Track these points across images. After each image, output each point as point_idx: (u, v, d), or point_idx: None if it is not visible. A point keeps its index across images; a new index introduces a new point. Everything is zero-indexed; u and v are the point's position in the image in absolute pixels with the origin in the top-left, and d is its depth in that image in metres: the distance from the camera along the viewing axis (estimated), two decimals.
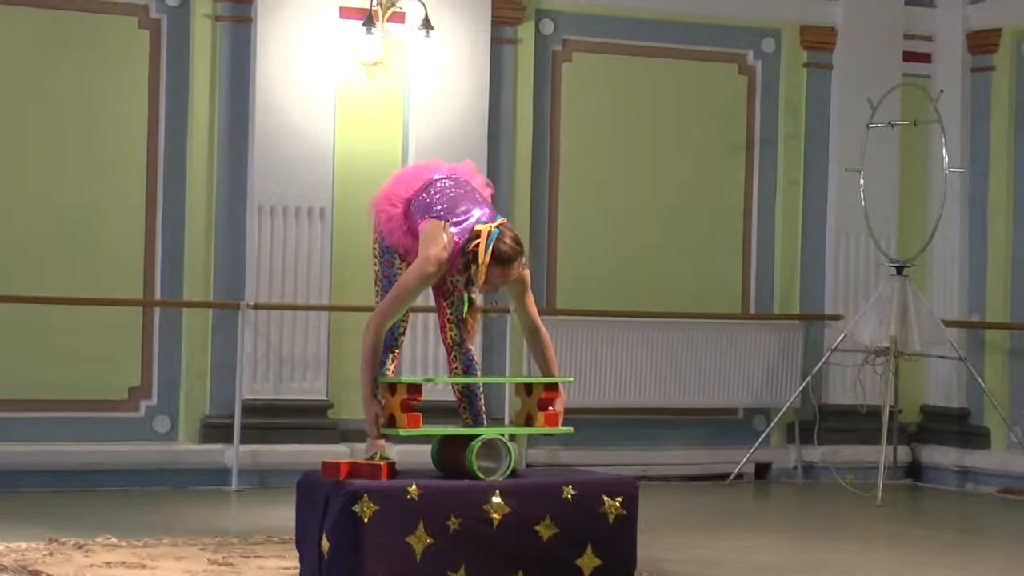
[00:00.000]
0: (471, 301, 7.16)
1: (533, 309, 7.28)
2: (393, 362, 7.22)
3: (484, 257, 6.96)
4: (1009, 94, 12.38)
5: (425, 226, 7.11)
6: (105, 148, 10.89)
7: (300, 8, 11.04)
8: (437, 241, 7.05)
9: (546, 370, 7.28)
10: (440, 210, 7.11)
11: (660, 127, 12.24)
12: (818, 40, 12.51)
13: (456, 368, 7.30)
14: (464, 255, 7.01)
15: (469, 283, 7.06)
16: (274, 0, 11.00)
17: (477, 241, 6.99)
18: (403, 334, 7.25)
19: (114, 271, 10.88)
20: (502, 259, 6.98)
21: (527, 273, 7.23)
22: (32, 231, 10.72)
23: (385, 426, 7.00)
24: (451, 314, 7.29)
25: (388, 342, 7.15)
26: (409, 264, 7.14)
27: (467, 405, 7.31)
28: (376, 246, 7.35)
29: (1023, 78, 12.33)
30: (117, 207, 10.91)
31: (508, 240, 7.00)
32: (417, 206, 7.16)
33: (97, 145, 10.87)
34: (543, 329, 7.30)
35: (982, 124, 12.50)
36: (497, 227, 7.02)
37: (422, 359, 11.34)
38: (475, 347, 7.38)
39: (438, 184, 7.21)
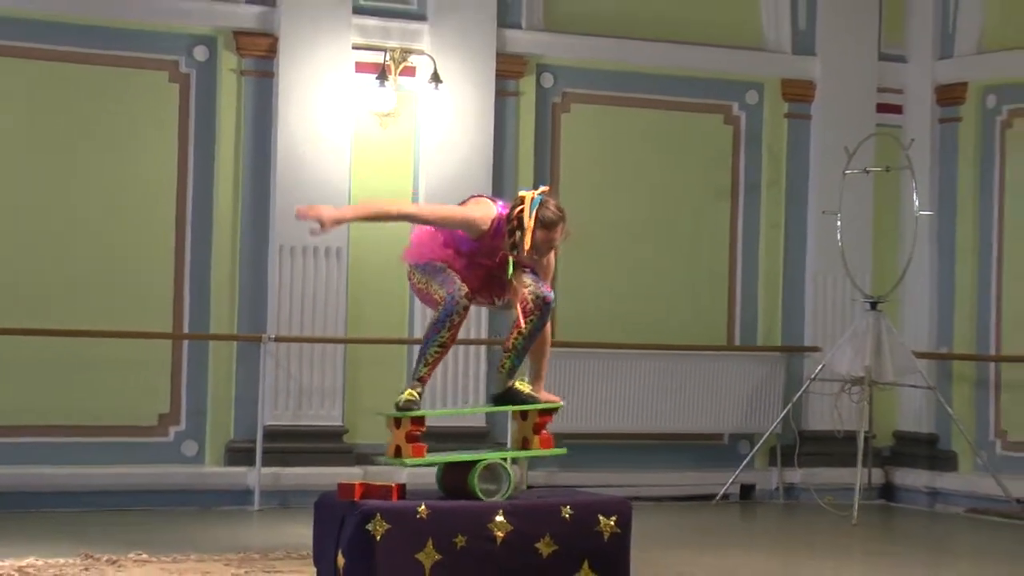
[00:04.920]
0: (516, 266, 7.03)
1: (548, 280, 7.18)
2: (451, 332, 6.98)
3: (529, 221, 6.89)
4: (975, 143, 12.39)
5: (472, 199, 7.07)
6: (138, 193, 10.90)
7: (319, 63, 11.08)
8: (485, 208, 6.99)
9: (536, 368, 7.23)
10: (482, 195, 7.13)
11: (652, 173, 12.25)
12: (798, 93, 12.53)
13: (524, 328, 7.03)
14: (509, 221, 6.94)
15: (514, 248, 6.95)
16: (295, 56, 11.04)
17: (521, 207, 6.95)
18: (466, 308, 6.97)
19: (146, 307, 10.89)
20: (546, 223, 6.90)
21: (553, 263, 7.16)
22: (71, 271, 10.73)
23: (393, 456, 6.99)
24: (525, 280, 7.09)
25: (450, 308, 6.93)
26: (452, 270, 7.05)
27: (513, 355, 7.15)
28: (416, 275, 7.13)
29: (987, 128, 12.35)
30: (149, 247, 10.92)
31: (552, 206, 6.93)
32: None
33: (130, 190, 10.89)
34: (548, 328, 7.25)
35: (950, 171, 12.50)
36: (540, 194, 6.97)
37: (452, 389, 11.36)
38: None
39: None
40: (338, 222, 7.01)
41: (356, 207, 7.18)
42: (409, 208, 7.20)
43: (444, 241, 7.11)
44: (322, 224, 6.90)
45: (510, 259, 7.01)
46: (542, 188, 7.04)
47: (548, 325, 7.25)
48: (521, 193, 7.00)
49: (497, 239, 7.00)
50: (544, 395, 7.27)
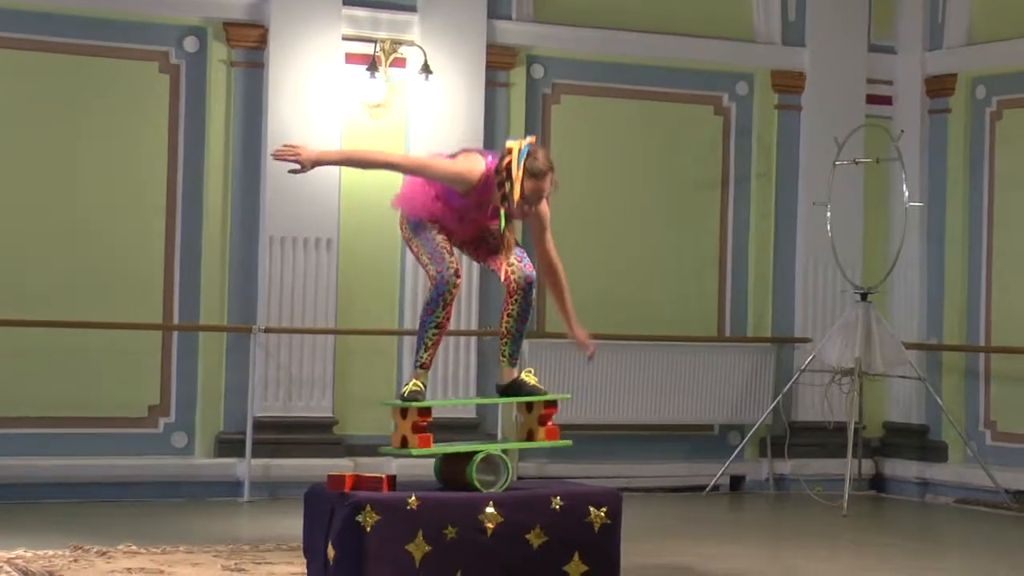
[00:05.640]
0: (508, 218, 6.97)
1: (552, 247, 7.19)
2: (446, 310, 6.96)
3: (517, 172, 6.86)
4: (964, 134, 12.41)
5: (463, 153, 7.04)
6: (128, 184, 10.89)
7: (308, 54, 11.05)
8: (474, 162, 6.95)
9: (563, 312, 7.24)
10: (472, 148, 7.11)
11: (643, 164, 12.25)
12: (788, 84, 12.53)
13: (512, 309, 7.08)
14: (498, 173, 6.90)
15: (504, 200, 6.92)
16: (284, 46, 11.00)
17: (509, 158, 6.90)
18: (457, 286, 6.96)
19: (135, 298, 10.87)
20: (535, 173, 6.88)
21: (547, 210, 7.11)
22: (61, 262, 10.72)
23: (399, 447, 6.96)
24: (510, 259, 7.05)
25: (441, 289, 6.92)
26: (442, 227, 6.98)
27: (511, 341, 7.14)
28: (408, 232, 7.07)
29: (977, 119, 12.38)
30: (139, 238, 10.90)
31: (540, 156, 6.90)
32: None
33: (120, 181, 10.87)
34: (560, 269, 7.22)
35: (939, 162, 12.53)
36: (527, 144, 6.93)
37: (443, 380, 11.34)
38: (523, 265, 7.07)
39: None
40: (318, 163, 6.94)
41: (340, 151, 7.15)
42: (394, 158, 7.16)
43: (436, 194, 7.04)
44: (302, 165, 6.82)
45: (502, 211, 6.96)
46: (529, 138, 7.01)
47: (559, 268, 7.20)
48: (508, 144, 6.96)
49: (486, 194, 6.96)
50: (579, 332, 7.26)
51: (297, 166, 6.83)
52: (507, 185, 6.88)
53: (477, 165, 6.98)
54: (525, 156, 6.88)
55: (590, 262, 11.99)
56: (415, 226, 7.06)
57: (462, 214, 7.04)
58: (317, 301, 11.09)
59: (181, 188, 10.99)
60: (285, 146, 6.90)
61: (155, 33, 10.92)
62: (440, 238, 7.00)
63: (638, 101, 12.14)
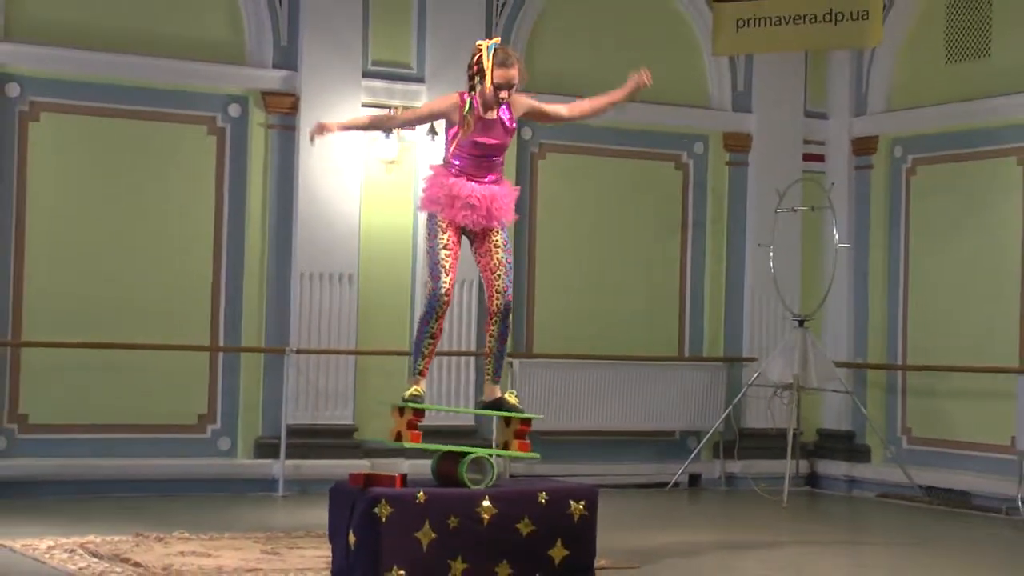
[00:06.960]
0: (472, 106, 7.00)
1: (564, 110, 7.31)
2: (438, 322, 7.01)
3: (488, 63, 6.91)
4: (885, 187, 12.45)
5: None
6: (180, 229, 10.91)
7: (333, 118, 10.80)
8: (445, 96, 7.12)
9: (614, 98, 7.45)
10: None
11: (614, 211, 12.28)
12: (737, 144, 12.56)
13: (493, 330, 7.15)
14: (469, 68, 6.98)
15: (472, 89, 6.98)
16: (313, 112, 11.00)
17: (479, 54, 6.95)
18: (446, 303, 7.00)
19: (187, 324, 10.88)
20: (503, 62, 6.94)
21: (531, 101, 7.19)
22: (127, 295, 10.73)
23: (393, 440, 6.99)
24: (498, 285, 7.11)
25: (433, 303, 6.95)
26: (448, 223, 7.01)
27: (494, 360, 7.21)
28: (427, 231, 7.14)
29: (895, 175, 12.40)
30: (190, 274, 10.92)
31: (507, 50, 7.01)
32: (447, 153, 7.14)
33: (174, 227, 10.89)
34: (584, 103, 7.36)
35: (864, 210, 12.56)
36: (494, 43, 7.00)
37: (445, 392, 11.34)
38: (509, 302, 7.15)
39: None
40: (343, 128, 7.21)
41: (355, 120, 7.45)
42: (391, 114, 7.48)
43: (455, 171, 7.07)
44: (324, 127, 7.06)
45: (468, 100, 7.01)
46: (495, 38, 7.12)
47: (584, 103, 7.41)
48: (478, 43, 7.04)
49: (472, 107, 6.99)
50: (628, 86, 7.42)
51: (323, 132, 7.03)
52: (476, 79, 6.95)
53: (449, 95, 7.11)
54: (494, 51, 6.96)
55: (571, 293, 12.01)
56: (431, 230, 7.11)
57: (477, 157, 7.02)
58: (341, 326, 11.10)
59: (226, 231, 11.01)
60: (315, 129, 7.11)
61: (204, 101, 10.96)
62: (444, 253, 7.01)
63: (610, 159, 12.16)
